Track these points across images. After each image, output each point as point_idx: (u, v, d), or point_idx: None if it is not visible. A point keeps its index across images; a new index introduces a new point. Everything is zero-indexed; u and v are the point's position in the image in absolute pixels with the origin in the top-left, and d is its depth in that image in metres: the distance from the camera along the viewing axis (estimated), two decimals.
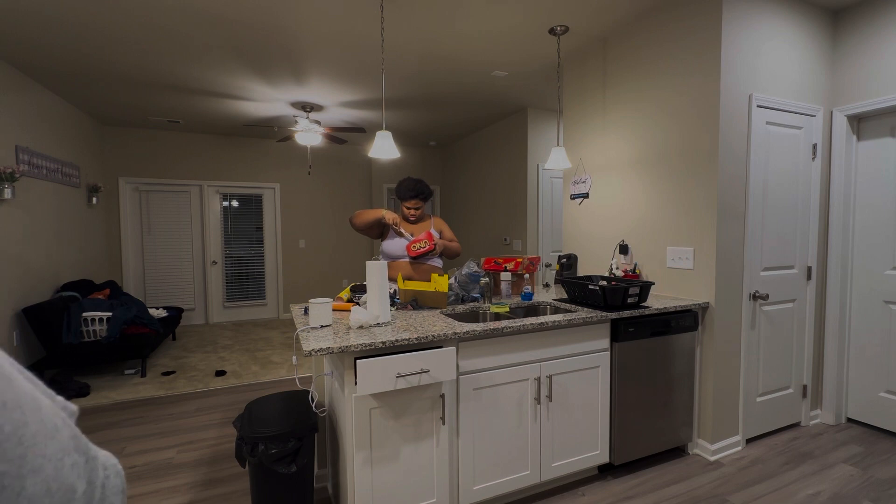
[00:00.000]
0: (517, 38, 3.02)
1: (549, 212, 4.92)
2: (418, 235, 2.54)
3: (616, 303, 2.16)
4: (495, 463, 1.89)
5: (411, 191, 2.58)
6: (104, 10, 2.60)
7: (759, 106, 2.40)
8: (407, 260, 2.54)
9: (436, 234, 2.61)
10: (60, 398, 0.35)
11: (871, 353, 2.65)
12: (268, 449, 1.65)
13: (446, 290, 2.21)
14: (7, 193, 3.22)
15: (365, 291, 2.22)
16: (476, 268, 2.33)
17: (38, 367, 3.43)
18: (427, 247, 2.46)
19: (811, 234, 2.69)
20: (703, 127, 2.36)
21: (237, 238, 6.18)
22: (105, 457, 0.36)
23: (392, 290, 2.30)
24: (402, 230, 2.54)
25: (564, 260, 3.15)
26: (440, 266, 2.65)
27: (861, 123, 2.67)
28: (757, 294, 2.49)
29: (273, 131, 5.81)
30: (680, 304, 2.29)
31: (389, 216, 2.53)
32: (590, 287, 2.23)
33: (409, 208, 2.63)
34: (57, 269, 4.10)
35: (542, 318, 1.96)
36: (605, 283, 2.42)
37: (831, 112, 2.70)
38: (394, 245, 2.57)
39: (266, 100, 4.40)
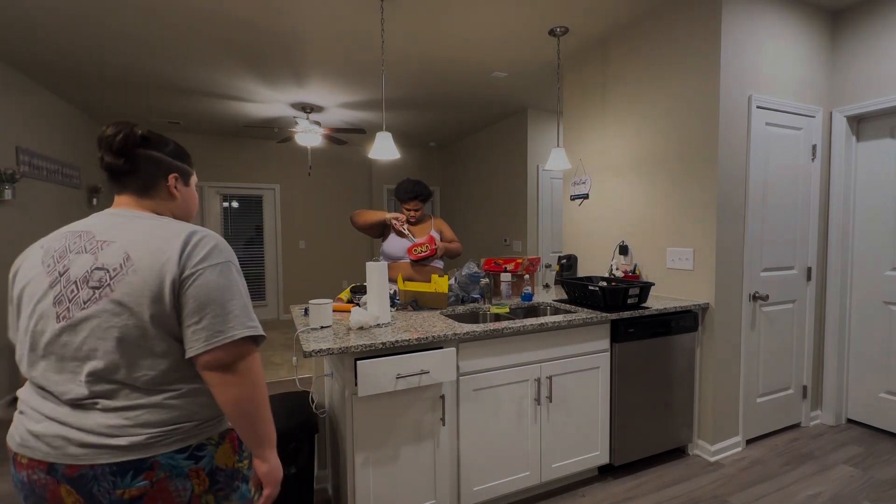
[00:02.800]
0: (517, 38, 3.03)
1: (549, 212, 4.93)
2: (420, 239, 2.54)
3: (616, 303, 2.16)
4: (495, 464, 1.89)
5: (411, 192, 2.59)
6: (105, 11, 2.61)
7: (758, 107, 2.40)
8: (407, 260, 2.55)
9: (436, 236, 2.61)
10: None
11: (872, 354, 2.65)
12: None
13: (446, 290, 2.21)
14: (7, 194, 3.23)
15: (365, 292, 2.22)
16: (476, 268, 2.33)
17: None
18: (428, 251, 2.47)
19: (811, 234, 2.69)
20: (703, 128, 2.36)
21: (237, 239, 6.18)
22: None
23: (392, 291, 2.30)
24: (406, 230, 2.54)
25: (564, 261, 3.15)
26: (441, 267, 2.66)
27: (861, 124, 2.67)
28: (757, 295, 2.49)
29: (273, 132, 5.81)
30: (680, 305, 2.29)
31: (398, 220, 2.54)
32: (590, 288, 2.23)
33: (408, 209, 2.63)
34: None
35: (542, 319, 1.96)
36: (605, 283, 2.42)
37: (831, 113, 2.70)
38: (394, 246, 2.57)
39: (266, 101, 4.40)
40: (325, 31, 2.89)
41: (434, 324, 1.88)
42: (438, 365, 1.65)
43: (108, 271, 0.80)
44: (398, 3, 2.54)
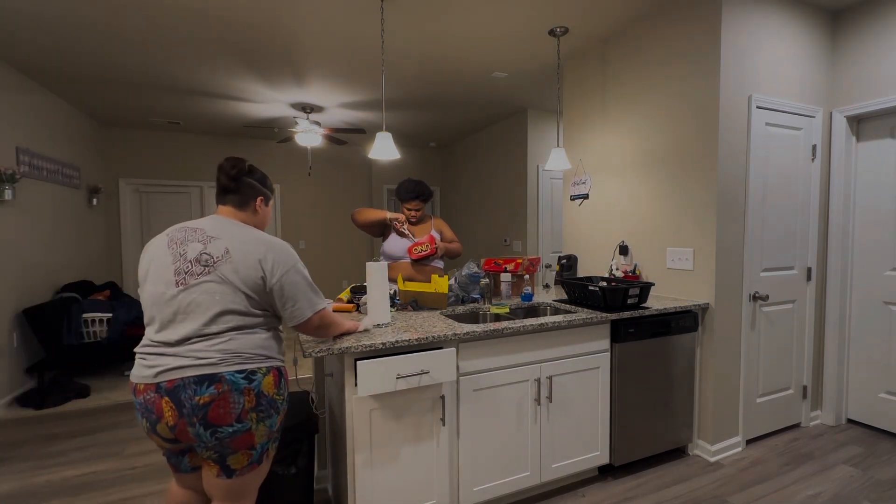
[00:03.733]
0: (517, 39, 3.03)
1: (549, 213, 4.93)
2: (420, 238, 2.54)
3: (616, 304, 2.16)
4: (495, 464, 1.89)
5: (412, 192, 2.59)
6: (105, 12, 2.61)
7: (758, 107, 2.40)
8: (407, 260, 2.55)
9: (437, 236, 2.61)
10: None
11: (871, 354, 2.65)
12: None
13: (446, 290, 2.21)
14: (7, 194, 3.23)
15: (365, 292, 2.22)
16: (476, 269, 2.33)
17: (38, 369, 3.44)
18: (428, 250, 2.47)
19: (811, 234, 2.69)
20: (703, 128, 2.36)
21: None
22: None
23: (392, 291, 2.30)
24: (406, 230, 2.54)
25: (564, 261, 3.15)
26: (441, 267, 2.66)
27: (860, 124, 2.67)
28: (757, 295, 2.49)
29: (273, 132, 5.81)
30: (680, 305, 2.29)
31: (399, 219, 2.54)
32: (590, 288, 2.23)
33: (409, 209, 2.63)
34: (57, 270, 4.10)
35: (542, 319, 1.96)
36: (605, 283, 2.42)
37: (831, 113, 2.70)
38: (394, 246, 2.57)
39: (266, 101, 4.40)
40: (325, 31, 2.89)
41: (434, 324, 1.88)
42: (438, 365, 1.65)
43: (212, 257, 1.23)
44: (398, 3, 2.54)
